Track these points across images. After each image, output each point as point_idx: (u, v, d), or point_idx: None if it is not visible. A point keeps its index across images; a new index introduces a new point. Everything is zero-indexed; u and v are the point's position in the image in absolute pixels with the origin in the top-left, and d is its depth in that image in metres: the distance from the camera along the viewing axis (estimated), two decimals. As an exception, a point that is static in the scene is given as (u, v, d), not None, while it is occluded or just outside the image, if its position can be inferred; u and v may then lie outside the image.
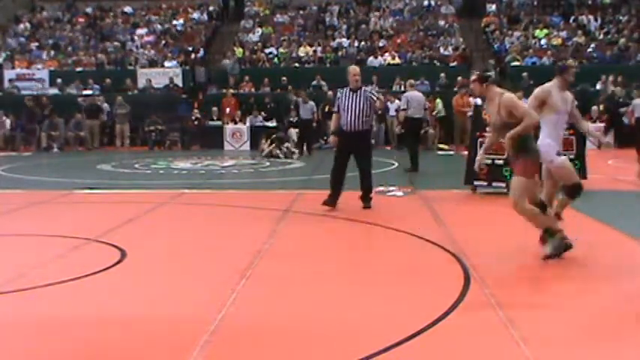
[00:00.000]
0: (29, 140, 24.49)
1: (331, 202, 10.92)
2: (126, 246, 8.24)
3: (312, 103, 22.23)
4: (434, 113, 23.99)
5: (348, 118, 10.94)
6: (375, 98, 11.18)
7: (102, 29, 31.71)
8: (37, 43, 30.46)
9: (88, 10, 33.37)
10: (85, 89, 26.21)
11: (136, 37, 30.96)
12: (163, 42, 30.47)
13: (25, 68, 28.28)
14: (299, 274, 7.11)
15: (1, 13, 33.12)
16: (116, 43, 30.27)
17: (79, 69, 28.27)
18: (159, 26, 31.84)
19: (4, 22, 32.58)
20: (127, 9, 33.26)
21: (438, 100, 24.08)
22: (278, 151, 20.46)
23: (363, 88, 11.17)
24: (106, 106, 25.12)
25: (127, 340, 5.25)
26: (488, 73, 7.64)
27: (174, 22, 32.07)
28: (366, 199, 11.09)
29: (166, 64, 28.23)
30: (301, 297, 6.30)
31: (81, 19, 32.71)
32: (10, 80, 27.31)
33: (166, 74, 26.97)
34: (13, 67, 28.38)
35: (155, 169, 17.87)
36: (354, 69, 11.39)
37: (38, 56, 29.39)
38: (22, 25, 32.00)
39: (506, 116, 7.16)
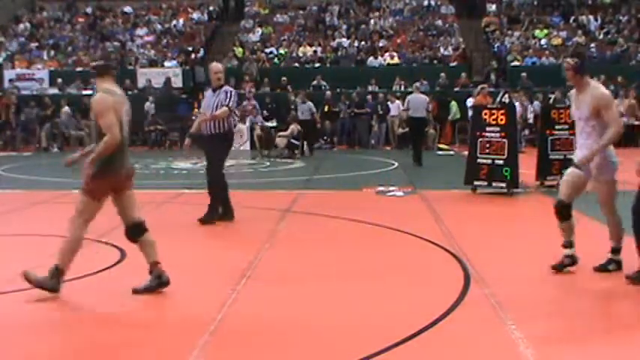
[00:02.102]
0: (29, 140, 24.49)
1: (207, 218, 9.86)
2: (126, 246, 8.22)
3: (310, 103, 22.14)
4: (449, 117, 23.98)
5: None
6: (226, 97, 9.75)
7: (102, 29, 31.71)
8: (37, 43, 30.45)
9: (88, 10, 33.38)
10: (86, 89, 26.20)
11: (135, 37, 30.96)
12: (163, 42, 30.47)
13: (25, 68, 28.27)
14: (299, 274, 7.11)
15: (1, 13, 33.09)
16: (116, 43, 30.27)
17: (79, 69, 28.25)
18: (159, 26, 31.85)
19: (4, 22, 32.56)
20: (127, 9, 33.26)
21: (453, 103, 24.00)
22: (287, 152, 20.69)
23: (225, 87, 9.93)
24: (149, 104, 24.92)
25: (126, 339, 5.25)
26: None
27: (174, 22, 32.07)
28: (209, 213, 9.91)
29: (166, 64, 28.22)
30: (301, 297, 6.31)
31: (81, 19, 32.72)
32: (10, 80, 27.29)
33: (166, 74, 26.93)
34: (13, 67, 28.36)
35: (155, 169, 17.87)
36: (215, 66, 10.25)
37: (38, 56, 29.39)
38: (22, 25, 32.00)
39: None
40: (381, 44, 29.15)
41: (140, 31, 31.38)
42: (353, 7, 32.87)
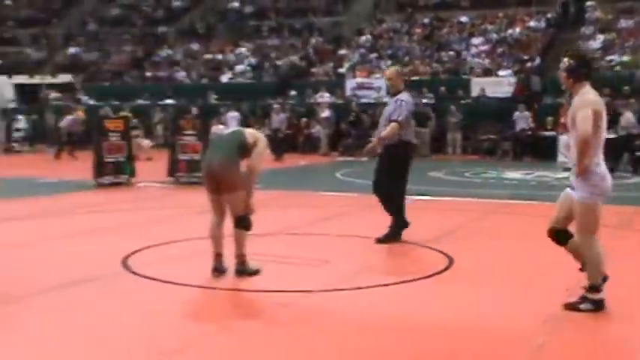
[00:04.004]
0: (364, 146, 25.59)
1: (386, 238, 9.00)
2: (453, 253, 8.31)
3: None
4: None
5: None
6: (395, 109, 8.95)
7: (438, 39, 32.37)
8: (376, 54, 31.92)
9: (426, 20, 34.27)
10: (423, 97, 26.87)
11: (471, 46, 31.19)
12: (498, 51, 30.34)
13: (365, 77, 29.80)
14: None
15: (347, 27, 35.32)
16: (451, 53, 30.74)
17: (414, 78, 29.07)
18: (494, 35, 31.76)
19: (348, 35, 34.67)
20: (463, 18, 33.59)
21: None
22: None
23: (398, 95, 9.05)
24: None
25: (449, 347, 5.28)
26: None
27: (510, 30, 31.76)
28: (390, 233, 9.07)
29: (500, 72, 28.09)
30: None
31: (418, 30, 33.67)
32: (352, 89, 28.99)
33: (500, 83, 26.83)
34: (354, 77, 30.07)
35: (485, 178, 17.83)
36: (386, 72, 9.40)
37: (377, 66, 30.78)
38: (363, 37, 33.73)
39: None
40: None
41: (475, 40, 31.53)
42: None
